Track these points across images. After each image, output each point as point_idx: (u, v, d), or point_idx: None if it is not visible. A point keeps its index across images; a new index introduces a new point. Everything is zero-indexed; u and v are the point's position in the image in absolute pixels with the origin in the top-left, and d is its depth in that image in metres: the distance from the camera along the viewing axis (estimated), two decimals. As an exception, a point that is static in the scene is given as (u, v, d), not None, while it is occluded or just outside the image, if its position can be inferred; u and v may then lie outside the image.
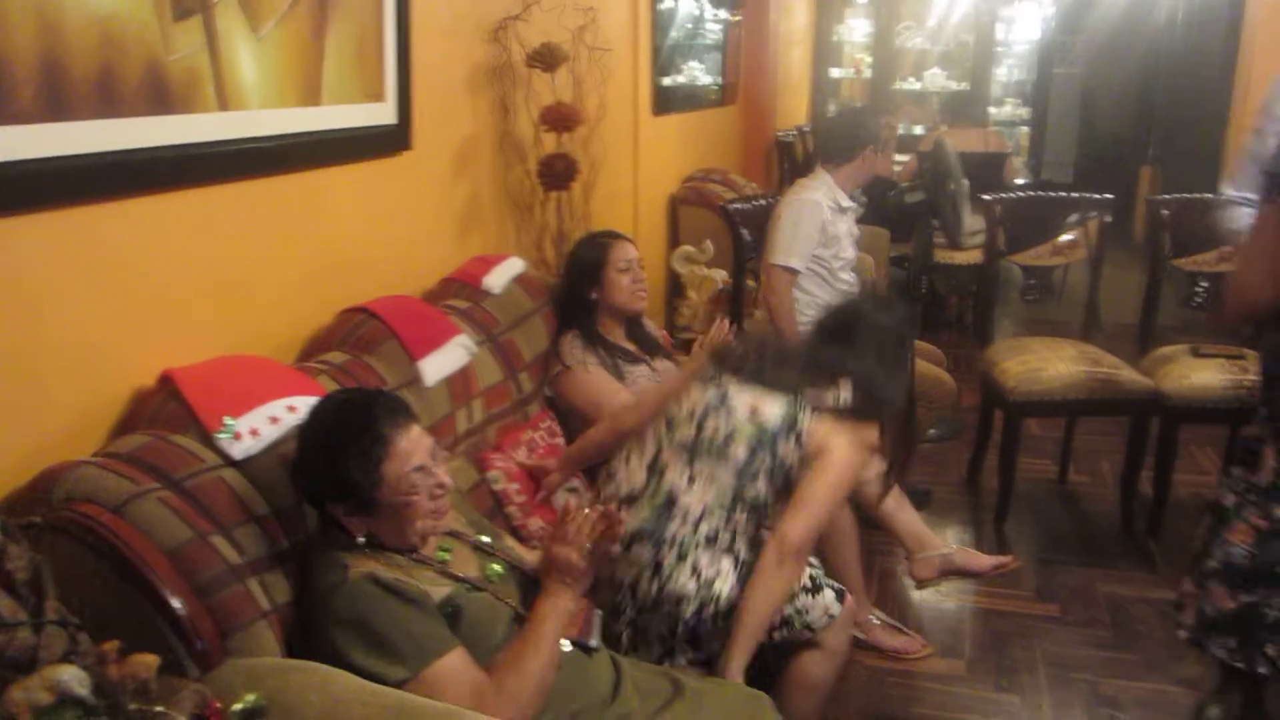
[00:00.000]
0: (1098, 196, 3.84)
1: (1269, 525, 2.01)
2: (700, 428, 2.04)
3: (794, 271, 3.32)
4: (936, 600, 3.09)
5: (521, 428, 2.46)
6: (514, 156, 3.15)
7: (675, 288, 4.48)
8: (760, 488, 2.02)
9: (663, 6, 4.68)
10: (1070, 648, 2.86)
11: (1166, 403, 3.39)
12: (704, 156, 5.53)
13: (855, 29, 8.42)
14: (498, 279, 2.66)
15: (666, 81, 4.82)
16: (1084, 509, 3.78)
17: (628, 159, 4.25)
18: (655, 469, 2.06)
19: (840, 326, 2.17)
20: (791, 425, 2.01)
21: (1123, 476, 3.55)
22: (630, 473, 2.09)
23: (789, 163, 6.86)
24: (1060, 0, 7.86)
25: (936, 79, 8.16)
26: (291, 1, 2.06)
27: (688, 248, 4.38)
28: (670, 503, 2.00)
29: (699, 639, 2.01)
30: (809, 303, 3.37)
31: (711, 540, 1.98)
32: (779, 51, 6.74)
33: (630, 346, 2.75)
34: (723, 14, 5.66)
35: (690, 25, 5.23)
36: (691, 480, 2.01)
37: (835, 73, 8.44)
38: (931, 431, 4.55)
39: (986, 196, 3.79)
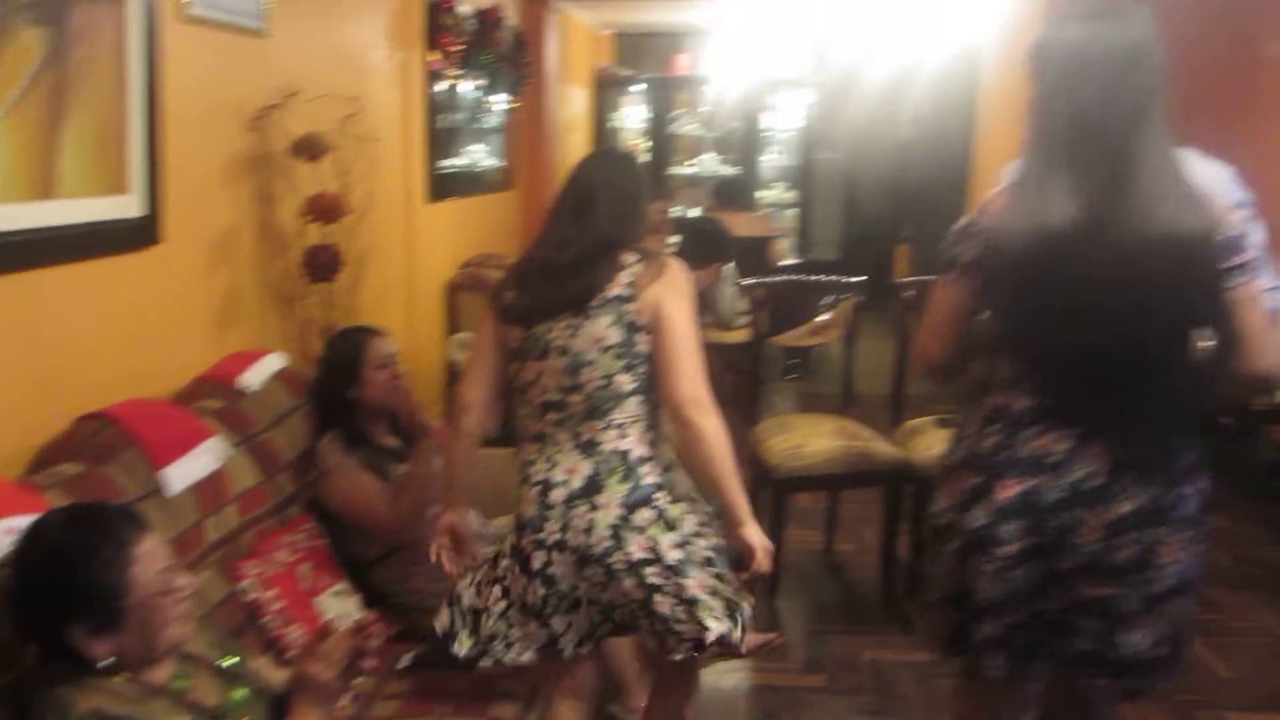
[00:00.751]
0: (851, 280, 4.09)
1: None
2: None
3: None
4: (714, 679, 3.15)
5: (280, 532, 2.37)
6: (277, 248, 3.08)
7: (454, 375, 4.45)
8: (628, 382, 2.07)
9: (439, 89, 4.71)
10: (836, 717, 2.98)
11: (917, 472, 3.61)
12: (484, 241, 5.57)
13: (632, 115, 8.73)
14: (255, 376, 2.57)
15: (445, 166, 4.83)
16: (849, 578, 3.96)
17: (399, 247, 4.22)
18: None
19: (578, 201, 2.17)
20: (620, 319, 2.06)
21: (882, 544, 3.75)
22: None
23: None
24: (820, 91, 8.39)
25: (709, 163, 8.55)
26: (22, 91, 1.97)
27: (465, 334, 4.38)
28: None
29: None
30: None
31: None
32: (557, 137, 6.89)
33: (395, 444, 2.70)
34: (502, 99, 5.75)
35: (469, 109, 5.28)
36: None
37: (614, 157, 8.70)
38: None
39: (749, 281, 3.98)
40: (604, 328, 2.04)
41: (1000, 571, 1.85)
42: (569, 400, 2.08)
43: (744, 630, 2.05)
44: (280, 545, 2.32)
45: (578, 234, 2.12)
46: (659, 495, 2.09)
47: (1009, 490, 1.83)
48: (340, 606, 2.37)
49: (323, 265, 3.03)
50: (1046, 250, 1.75)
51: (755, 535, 2.08)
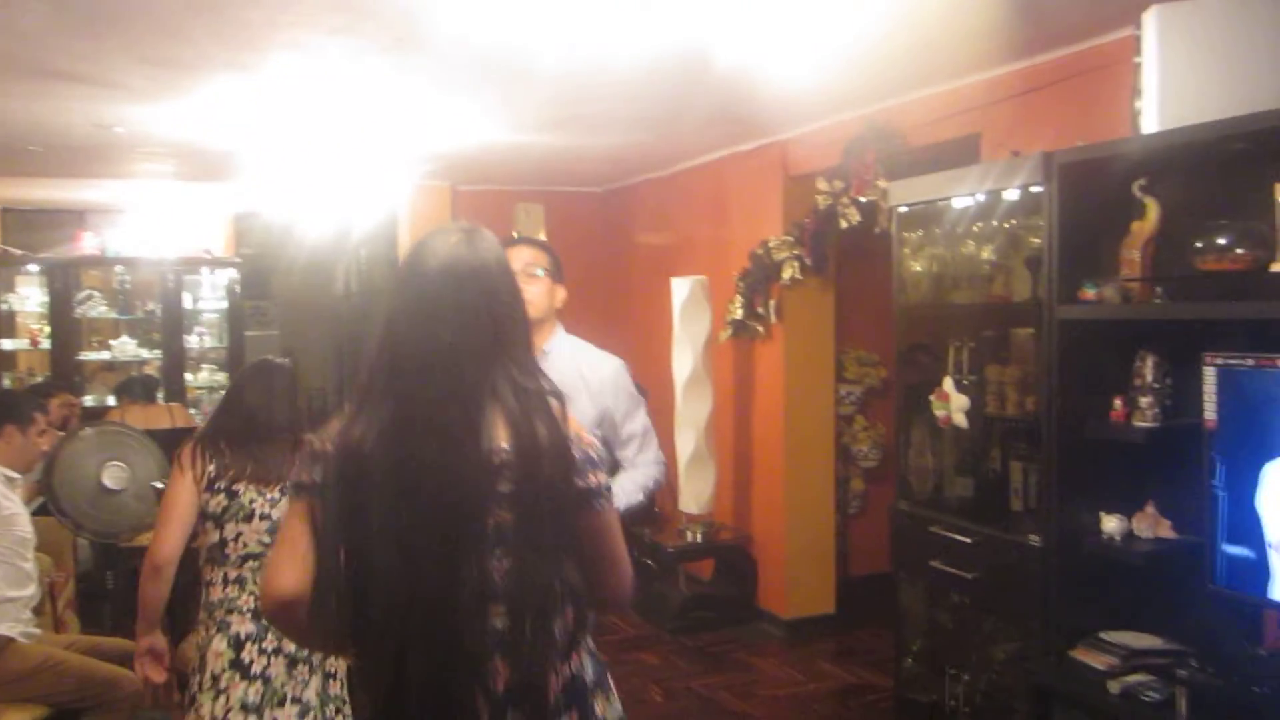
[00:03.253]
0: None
1: None
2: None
3: None
4: None
5: None
6: None
7: None
8: None
9: None
10: None
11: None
12: None
13: (29, 298, 7.79)
14: None
15: None
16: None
17: None
18: None
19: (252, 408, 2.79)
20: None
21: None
22: None
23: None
24: (243, 269, 8.15)
25: (127, 347, 7.86)
26: None
27: None
28: None
29: None
30: None
31: None
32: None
33: None
34: None
35: None
36: None
37: (8, 344, 7.67)
38: None
39: (159, 485, 3.65)
40: None
41: None
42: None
43: None
44: None
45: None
46: None
47: None
48: None
49: None
50: (365, 484, 1.57)
51: None
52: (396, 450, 1.56)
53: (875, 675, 4.70)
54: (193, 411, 7.50)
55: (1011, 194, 3.29)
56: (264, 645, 2.70)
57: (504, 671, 1.57)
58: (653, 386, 6.81)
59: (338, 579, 1.57)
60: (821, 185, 4.79)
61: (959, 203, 3.52)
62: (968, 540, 3.39)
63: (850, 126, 4.64)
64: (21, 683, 3.31)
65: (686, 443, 5.62)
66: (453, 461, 1.55)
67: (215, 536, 2.74)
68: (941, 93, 4.21)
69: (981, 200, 3.45)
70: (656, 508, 6.54)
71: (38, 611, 3.62)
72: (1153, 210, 2.91)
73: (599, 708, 1.68)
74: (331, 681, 2.80)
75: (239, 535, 2.72)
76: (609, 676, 1.75)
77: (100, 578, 4.99)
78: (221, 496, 2.72)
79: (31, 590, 3.51)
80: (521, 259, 2.57)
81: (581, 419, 1.89)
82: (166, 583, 2.74)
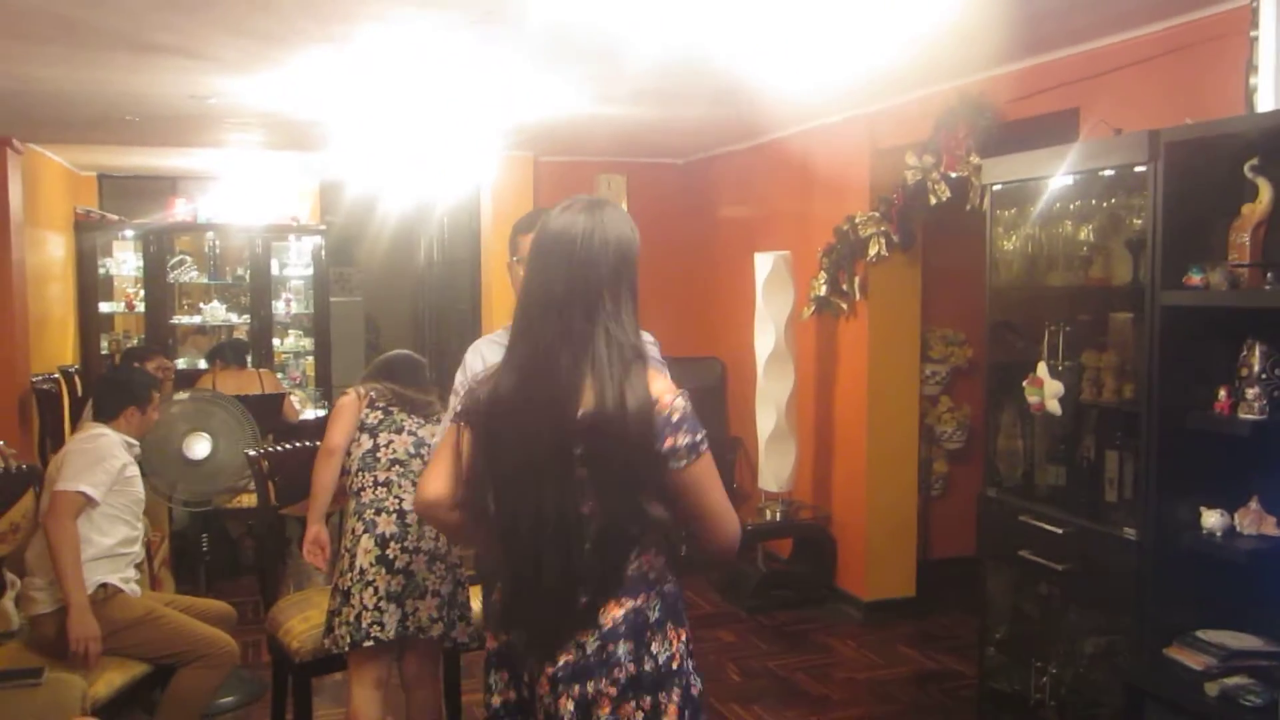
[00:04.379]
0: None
1: None
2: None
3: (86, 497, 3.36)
4: None
5: None
6: None
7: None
8: None
9: None
10: None
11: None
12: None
13: (125, 263, 8.01)
14: None
15: None
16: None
17: None
18: None
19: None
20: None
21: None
22: None
23: (51, 413, 6.20)
24: (329, 237, 8.27)
25: (217, 312, 8.05)
26: None
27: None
28: None
29: None
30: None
31: None
32: (27, 286, 6.12)
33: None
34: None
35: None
36: None
37: (106, 307, 7.91)
38: (228, 699, 4.24)
39: (251, 452, 3.72)
40: None
41: None
42: None
43: None
44: None
45: None
46: None
47: (492, 643, 2.03)
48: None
49: None
50: (498, 417, 1.90)
51: None
52: (521, 388, 1.87)
53: (956, 662, 4.63)
54: (280, 376, 7.66)
55: (1112, 172, 3.16)
56: (405, 544, 3.18)
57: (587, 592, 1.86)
58: (733, 364, 6.77)
59: (483, 491, 1.91)
60: (911, 160, 4.67)
61: (1057, 181, 3.40)
62: (1059, 531, 3.29)
63: (941, 99, 4.51)
64: (125, 632, 3.42)
65: (767, 420, 5.56)
66: (553, 404, 1.82)
67: (369, 444, 3.32)
68: (1038, 65, 4.06)
69: (1080, 179, 3.32)
70: (735, 484, 6.52)
71: (137, 570, 3.73)
72: (1265, 192, 2.77)
73: (655, 646, 1.89)
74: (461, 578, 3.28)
75: (390, 443, 3.32)
76: (676, 627, 1.95)
77: (195, 539, 5.13)
78: (379, 412, 3.36)
79: (138, 549, 3.65)
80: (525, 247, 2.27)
81: None
82: (335, 468, 3.32)
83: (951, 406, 5.75)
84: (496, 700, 2.00)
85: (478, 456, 1.92)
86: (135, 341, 7.79)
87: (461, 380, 2.45)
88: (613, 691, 1.84)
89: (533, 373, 1.86)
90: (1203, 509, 2.88)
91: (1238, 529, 2.84)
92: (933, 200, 4.59)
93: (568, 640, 1.85)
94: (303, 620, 3.49)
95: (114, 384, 3.89)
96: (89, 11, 3.36)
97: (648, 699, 1.87)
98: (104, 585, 3.42)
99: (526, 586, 1.89)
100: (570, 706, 1.84)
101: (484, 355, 2.45)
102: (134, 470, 3.64)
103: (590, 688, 1.84)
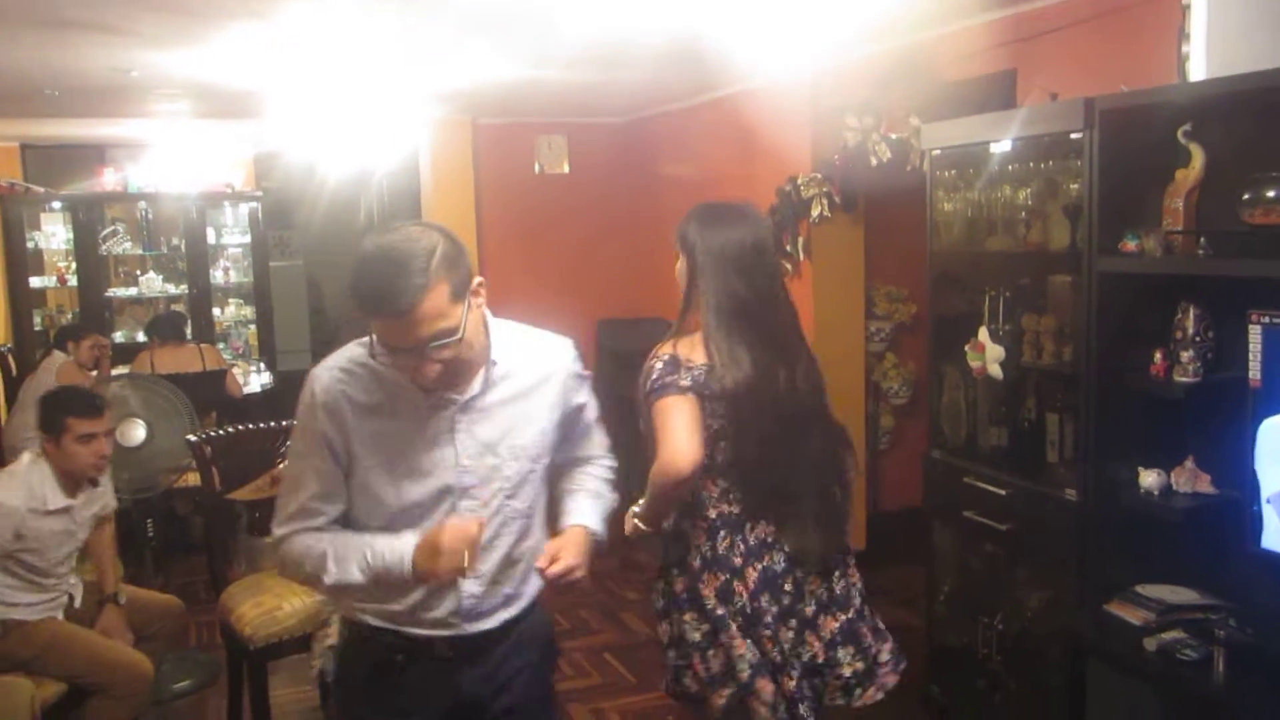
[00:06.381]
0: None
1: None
2: None
3: None
4: None
5: None
6: None
7: None
8: None
9: None
10: None
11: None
12: None
13: (54, 235, 7.79)
14: None
15: None
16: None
17: None
18: None
19: None
20: None
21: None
22: None
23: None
24: (266, 202, 8.10)
25: (154, 283, 7.87)
26: None
27: None
28: None
29: None
30: None
31: None
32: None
33: None
34: None
35: None
36: None
37: (36, 282, 7.70)
38: (184, 684, 4.22)
39: (192, 438, 3.66)
40: None
41: (768, 637, 2.42)
42: None
43: None
44: None
45: None
46: None
47: (754, 572, 2.43)
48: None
49: None
50: (753, 390, 2.37)
51: None
52: (762, 364, 2.42)
53: (907, 615, 4.70)
54: (222, 347, 7.53)
55: (1049, 138, 3.18)
56: None
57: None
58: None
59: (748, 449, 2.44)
60: (851, 121, 4.67)
61: (995, 147, 3.41)
62: (1002, 492, 3.36)
63: (882, 60, 4.50)
64: (31, 662, 3.31)
65: (714, 380, 5.58)
66: (791, 376, 2.48)
67: None
68: (977, 25, 4.06)
69: (1018, 144, 3.34)
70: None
71: (83, 556, 3.63)
72: (1198, 157, 2.81)
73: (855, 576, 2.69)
74: None
75: None
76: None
77: (140, 522, 5.05)
78: None
79: (59, 592, 3.50)
80: (409, 337, 1.78)
81: (548, 421, 2.06)
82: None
83: (897, 363, 5.81)
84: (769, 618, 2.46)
85: (738, 423, 2.41)
86: (70, 317, 7.62)
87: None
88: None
89: (770, 347, 2.48)
90: (1140, 469, 2.95)
91: (1174, 488, 2.91)
92: (873, 161, 4.60)
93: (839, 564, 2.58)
94: (255, 606, 3.47)
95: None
96: (-2, -10, 3.24)
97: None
98: (2, 622, 3.29)
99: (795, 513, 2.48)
100: (834, 626, 2.56)
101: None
102: (49, 526, 3.37)
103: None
